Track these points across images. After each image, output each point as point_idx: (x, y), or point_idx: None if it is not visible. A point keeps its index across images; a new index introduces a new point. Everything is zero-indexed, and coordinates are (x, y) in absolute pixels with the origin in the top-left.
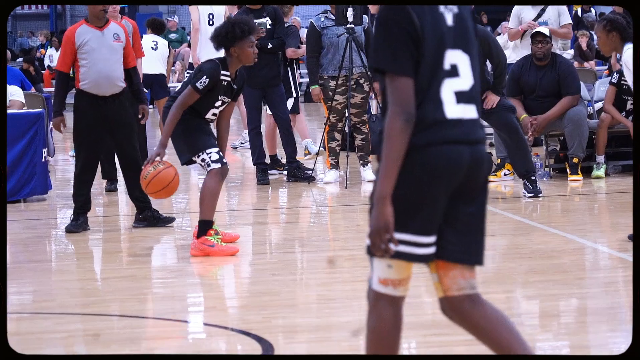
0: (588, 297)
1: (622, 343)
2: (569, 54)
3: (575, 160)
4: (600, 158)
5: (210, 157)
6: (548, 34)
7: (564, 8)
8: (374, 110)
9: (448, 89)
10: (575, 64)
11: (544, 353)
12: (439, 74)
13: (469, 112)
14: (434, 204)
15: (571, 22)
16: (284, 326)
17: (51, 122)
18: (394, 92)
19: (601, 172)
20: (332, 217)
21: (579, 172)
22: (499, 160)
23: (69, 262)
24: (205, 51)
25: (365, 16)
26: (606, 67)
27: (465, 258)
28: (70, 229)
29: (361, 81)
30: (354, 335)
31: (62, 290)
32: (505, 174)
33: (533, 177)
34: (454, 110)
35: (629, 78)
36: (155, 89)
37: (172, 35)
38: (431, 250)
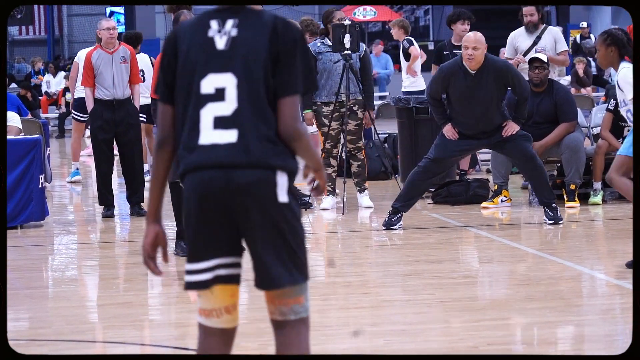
0: (585, 325)
1: None
2: (565, 80)
3: (572, 186)
4: (598, 185)
5: None
6: (545, 60)
7: (560, 35)
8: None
9: (208, 114)
10: (572, 90)
11: None
12: (197, 98)
13: (227, 137)
14: (199, 231)
15: (567, 48)
16: None
17: None
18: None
19: (598, 198)
20: (328, 244)
21: (576, 199)
22: (495, 187)
23: (65, 289)
24: None
25: (362, 44)
26: (603, 94)
27: (259, 283)
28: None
29: (355, 108)
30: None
31: (59, 317)
32: (502, 201)
33: (554, 205)
34: (208, 135)
35: (620, 96)
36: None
37: None
38: (204, 277)
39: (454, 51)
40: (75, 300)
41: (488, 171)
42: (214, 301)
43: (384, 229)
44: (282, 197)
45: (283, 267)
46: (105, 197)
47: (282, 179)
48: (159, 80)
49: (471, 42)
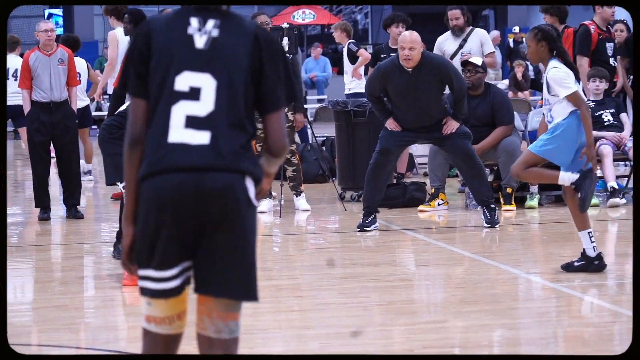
0: (520, 328)
1: None
2: (503, 84)
3: (508, 190)
4: (534, 188)
5: None
6: (479, 64)
7: (487, 37)
8: (309, 140)
9: (180, 112)
10: (510, 94)
11: None
12: (170, 94)
13: (199, 138)
14: (163, 238)
15: (494, 50)
16: None
17: None
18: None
19: (534, 202)
20: (263, 247)
21: (513, 202)
22: (432, 190)
23: None
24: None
25: (298, 47)
26: (540, 98)
27: (210, 290)
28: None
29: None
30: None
31: None
32: (439, 204)
33: (492, 205)
34: (178, 134)
35: (545, 95)
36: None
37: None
38: (169, 285)
39: (392, 54)
40: (10, 304)
41: (425, 174)
42: (168, 309)
43: (358, 231)
44: (254, 201)
45: (242, 278)
46: (42, 200)
47: (250, 185)
48: (128, 74)
49: (407, 43)
